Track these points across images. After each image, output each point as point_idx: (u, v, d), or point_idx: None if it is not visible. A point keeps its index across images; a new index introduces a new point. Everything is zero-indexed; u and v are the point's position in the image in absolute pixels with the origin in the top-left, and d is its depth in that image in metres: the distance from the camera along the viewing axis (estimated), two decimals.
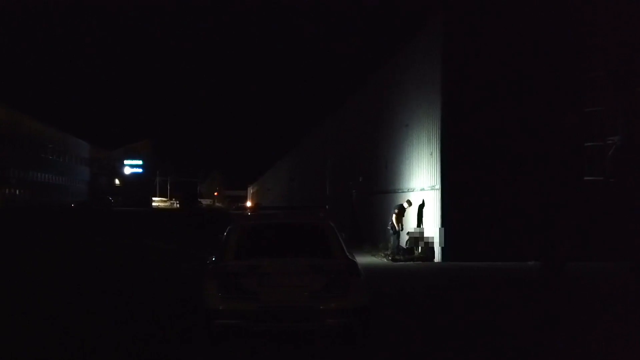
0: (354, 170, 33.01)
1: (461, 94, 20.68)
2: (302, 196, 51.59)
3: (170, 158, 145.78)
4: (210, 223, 32.07)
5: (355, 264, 8.98)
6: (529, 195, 20.29)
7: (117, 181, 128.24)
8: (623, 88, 20.71)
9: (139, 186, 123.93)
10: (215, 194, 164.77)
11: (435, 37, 21.79)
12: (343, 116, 37.20)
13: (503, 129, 20.53)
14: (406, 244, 21.62)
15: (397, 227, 21.69)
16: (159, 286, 14.53)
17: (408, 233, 21.75)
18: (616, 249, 19.28)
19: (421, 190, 22.44)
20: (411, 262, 20.51)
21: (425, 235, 21.33)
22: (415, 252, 21.23)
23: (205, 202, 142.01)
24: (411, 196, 23.40)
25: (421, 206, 21.72)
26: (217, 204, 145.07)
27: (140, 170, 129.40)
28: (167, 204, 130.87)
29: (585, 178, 20.53)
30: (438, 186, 20.85)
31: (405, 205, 21.79)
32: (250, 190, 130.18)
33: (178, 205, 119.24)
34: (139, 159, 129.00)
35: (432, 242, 20.89)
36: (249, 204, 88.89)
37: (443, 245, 20.39)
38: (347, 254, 9.10)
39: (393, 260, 21.10)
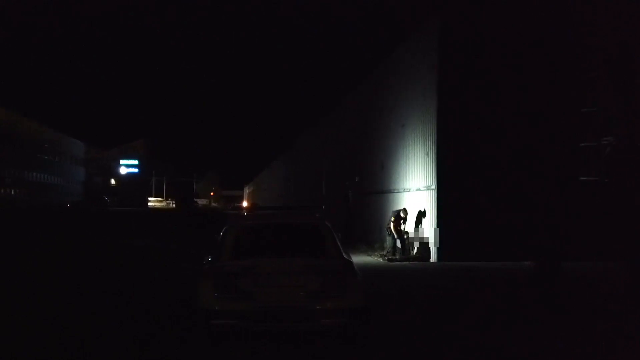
0: (350, 170, 33.06)
1: (457, 94, 20.71)
2: (299, 196, 51.63)
3: (166, 158, 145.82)
4: (210, 223, 32.06)
5: (351, 263, 8.99)
6: (525, 196, 20.36)
7: (112, 181, 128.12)
8: (619, 88, 20.81)
9: (135, 186, 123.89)
10: (211, 194, 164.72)
11: (431, 37, 21.83)
12: (339, 116, 37.24)
13: (499, 129, 20.59)
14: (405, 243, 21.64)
15: (395, 235, 21.56)
16: (159, 286, 14.53)
17: (406, 235, 21.73)
18: (612, 249, 19.37)
19: (417, 191, 22.50)
20: (407, 262, 20.55)
21: (420, 235, 21.42)
22: (411, 252, 21.31)
23: (201, 202, 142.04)
24: (407, 196, 23.51)
25: (421, 214, 21.56)
26: (213, 204, 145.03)
27: (136, 170, 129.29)
28: (163, 204, 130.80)
29: (581, 178, 20.61)
30: (434, 186, 20.89)
31: (402, 215, 21.71)
32: (246, 190, 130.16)
33: (174, 205, 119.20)
34: (135, 159, 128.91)
35: (428, 242, 20.95)
36: (245, 204, 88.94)
37: (438, 245, 20.44)
38: (344, 254, 9.12)
39: (389, 260, 21.17)
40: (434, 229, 20.64)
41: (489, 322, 10.80)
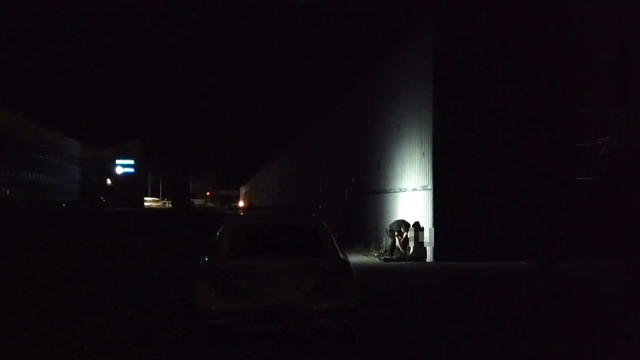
0: (346, 170, 33.09)
1: (454, 94, 20.72)
2: (295, 196, 51.65)
3: (162, 158, 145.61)
4: (209, 223, 32.13)
5: (348, 263, 9.01)
6: (521, 195, 20.40)
7: (108, 181, 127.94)
8: (619, 88, 20.90)
9: (131, 186, 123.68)
10: (208, 193, 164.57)
11: (428, 37, 21.83)
12: (336, 116, 37.25)
13: (495, 129, 20.61)
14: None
15: (402, 250, 21.30)
16: (158, 286, 14.52)
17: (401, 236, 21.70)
18: (610, 249, 19.47)
19: (413, 191, 22.55)
20: (403, 262, 20.58)
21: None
22: (407, 252, 21.38)
23: (198, 202, 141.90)
24: (403, 196, 23.56)
25: (417, 226, 21.44)
26: (209, 204, 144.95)
27: (132, 170, 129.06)
28: (159, 204, 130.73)
29: (578, 178, 20.67)
30: (430, 186, 20.91)
31: (403, 230, 21.61)
32: (242, 190, 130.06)
33: (170, 205, 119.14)
34: (131, 159, 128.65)
35: (424, 242, 20.95)
36: (241, 204, 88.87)
37: (435, 246, 20.45)
38: (340, 254, 9.14)
39: (385, 260, 21.21)
40: (430, 229, 20.67)
41: (488, 322, 10.83)
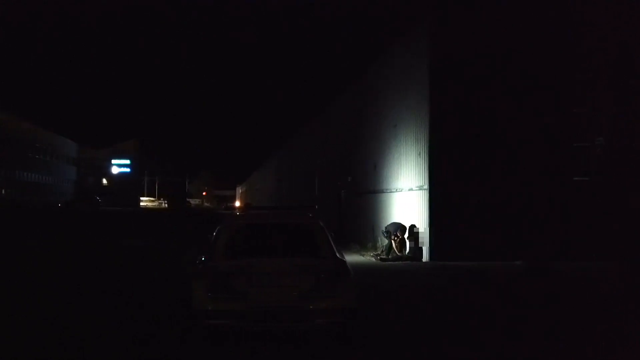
0: (342, 170, 33.14)
1: (449, 94, 20.76)
2: (291, 196, 51.67)
3: (158, 157, 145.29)
4: (209, 223, 32.11)
5: (344, 263, 9.03)
6: (517, 195, 20.46)
7: (104, 181, 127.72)
8: (615, 89, 20.99)
9: (127, 186, 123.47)
10: (204, 193, 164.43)
11: (423, 37, 21.88)
12: (332, 116, 37.27)
13: (491, 130, 20.66)
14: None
15: (398, 252, 21.34)
16: (158, 286, 14.52)
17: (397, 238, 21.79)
18: (605, 249, 19.58)
19: (409, 191, 22.60)
20: (399, 262, 20.61)
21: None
22: (404, 252, 21.47)
23: (194, 201, 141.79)
24: (399, 196, 23.63)
25: (413, 229, 21.48)
26: (205, 204, 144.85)
27: (128, 169, 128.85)
28: (155, 203, 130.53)
29: (574, 178, 20.73)
30: (426, 186, 20.94)
31: (399, 234, 21.66)
32: (238, 190, 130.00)
33: (166, 205, 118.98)
34: (127, 159, 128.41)
35: (420, 242, 21.03)
36: (237, 203, 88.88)
37: (431, 245, 20.51)
38: (337, 253, 9.15)
39: (381, 260, 21.26)
40: (426, 229, 20.72)
41: (486, 321, 10.88)
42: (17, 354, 8.58)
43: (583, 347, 9.06)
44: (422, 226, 21.04)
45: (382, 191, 26.02)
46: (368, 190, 28.23)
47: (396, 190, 24.20)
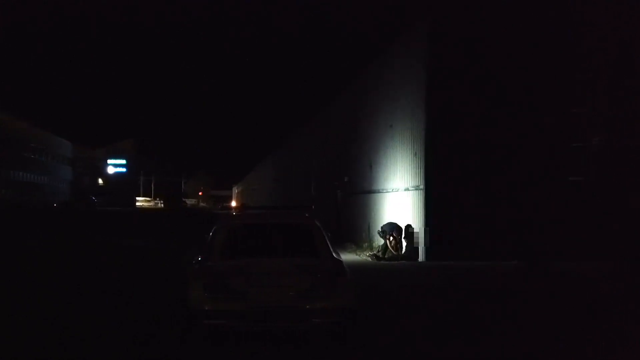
0: (339, 170, 33.16)
1: (446, 95, 20.78)
2: (288, 196, 51.70)
3: (154, 157, 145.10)
4: (209, 223, 31.99)
5: (341, 263, 9.06)
6: (513, 195, 20.49)
7: (100, 181, 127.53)
8: (610, 89, 21.04)
9: (123, 186, 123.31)
10: (200, 193, 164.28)
11: (420, 37, 21.90)
12: (329, 116, 37.31)
13: (487, 129, 20.68)
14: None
15: (394, 252, 21.34)
16: (158, 286, 14.52)
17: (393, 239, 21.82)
18: (602, 249, 19.63)
19: (405, 190, 22.62)
20: (395, 262, 20.65)
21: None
22: (400, 252, 21.46)
23: (190, 201, 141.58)
24: (395, 196, 23.63)
25: (409, 229, 21.57)
26: (201, 204, 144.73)
27: (124, 169, 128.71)
28: (151, 203, 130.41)
29: (570, 178, 20.74)
30: (422, 186, 20.97)
31: (395, 235, 21.57)
32: (235, 190, 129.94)
33: (162, 205, 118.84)
34: (123, 159, 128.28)
35: (417, 242, 21.06)
36: (233, 203, 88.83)
37: (427, 245, 20.52)
38: (334, 253, 9.19)
39: (377, 259, 21.29)
40: (422, 229, 20.72)
41: (485, 321, 10.90)
42: (17, 354, 8.58)
43: (583, 347, 9.08)
44: (418, 226, 21.07)
45: (379, 191, 26.06)
46: (364, 190, 28.27)
47: (392, 190, 24.24)
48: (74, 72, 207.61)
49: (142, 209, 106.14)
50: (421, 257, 20.84)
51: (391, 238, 21.49)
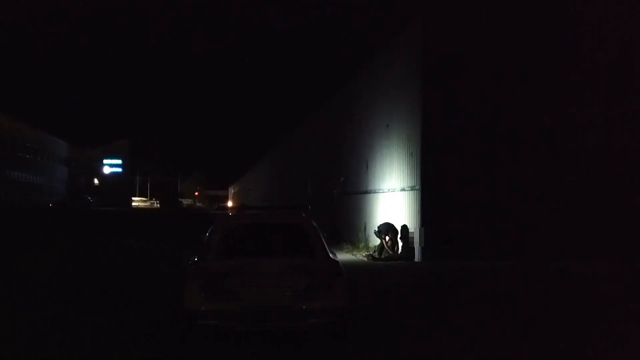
0: (335, 170, 33.18)
1: (441, 95, 20.79)
2: (284, 196, 51.70)
3: (150, 157, 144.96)
4: (209, 223, 31.88)
5: (337, 263, 9.09)
6: (510, 195, 20.51)
7: (96, 181, 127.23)
8: (610, 89, 21.07)
9: (119, 186, 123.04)
10: (196, 193, 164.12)
11: (415, 37, 21.90)
12: (325, 116, 37.30)
13: (484, 130, 20.71)
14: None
15: (390, 252, 21.35)
16: (158, 286, 14.52)
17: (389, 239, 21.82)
18: (601, 249, 19.67)
19: (402, 191, 22.61)
20: (392, 262, 20.67)
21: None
22: (396, 252, 21.42)
23: (186, 202, 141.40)
24: (391, 196, 23.63)
25: (405, 230, 21.62)
26: (197, 204, 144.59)
27: (119, 169, 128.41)
28: (147, 204, 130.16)
29: (569, 179, 20.73)
30: (418, 186, 20.98)
31: (391, 235, 21.52)
32: (231, 190, 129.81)
33: (158, 205, 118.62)
34: (119, 159, 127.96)
35: (412, 242, 21.08)
36: (230, 204, 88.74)
37: (423, 245, 20.53)
38: (329, 253, 9.21)
39: (373, 259, 21.30)
40: (418, 229, 20.74)
41: (483, 321, 10.91)
42: (17, 354, 8.59)
43: (583, 347, 9.11)
44: (414, 226, 21.09)
45: (374, 191, 26.08)
46: (361, 190, 28.29)
47: (388, 190, 24.26)
48: (69, 72, 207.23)
49: (138, 209, 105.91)
50: (417, 257, 20.85)
51: (387, 238, 21.50)
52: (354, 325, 9.50)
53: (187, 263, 10.02)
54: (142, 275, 16.61)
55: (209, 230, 9.55)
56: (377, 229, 22.21)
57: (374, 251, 22.18)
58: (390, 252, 21.35)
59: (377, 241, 22.16)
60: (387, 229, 21.68)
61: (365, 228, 26.36)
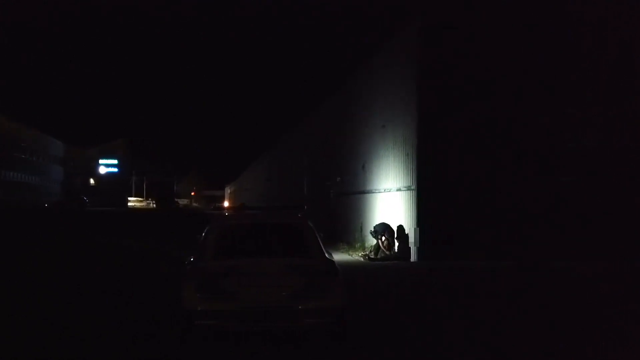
0: (331, 170, 33.16)
1: (437, 95, 20.74)
2: (281, 196, 51.69)
3: (146, 158, 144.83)
4: (207, 223, 31.83)
5: (333, 263, 9.07)
6: (508, 196, 20.48)
7: (92, 181, 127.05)
8: (610, 89, 21.10)
9: (115, 186, 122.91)
10: (192, 193, 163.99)
11: (411, 37, 21.84)
12: (321, 116, 37.26)
13: (479, 130, 20.66)
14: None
15: (387, 252, 21.32)
16: (158, 286, 14.47)
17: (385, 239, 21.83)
18: (599, 249, 19.68)
19: (398, 191, 22.56)
20: (388, 262, 20.61)
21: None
22: (392, 252, 21.43)
23: (182, 202, 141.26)
24: (388, 196, 23.60)
25: (401, 230, 21.62)
26: (194, 204, 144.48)
27: (115, 169, 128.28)
28: (143, 204, 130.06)
29: (563, 179, 20.74)
30: (414, 186, 20.94)
31: (387, 236, 21.45)
32: (227, 190, 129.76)
33: (154, 205, 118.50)
34: (115, 159, 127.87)
35: (409, 242, 21.01)
36: (226, 204, 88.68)
37: (419, 245, 20.50)
38: (326, 253, 9.20)
39: (370, 259, 21.25)
40: (414, 229, 20.71)
41: (484, 320, 10.90)
42: (17, 354, 8.55)
43: (583, 347, 9.09)
44: (410, 226, 21.06)
45: (371, 191, 26.06)
46: (357, 190, 28.27)
47: (384, 191, 24.24)
48: (65, 71, 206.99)
49: (134, 209, 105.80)
50: (413, 257, 20.81)
51: (383, 238, 21.48)
52: (352, 325, 9.46)
53: (183, 263, 10.01)
54: (142, 275, 16.59)
55: (205, 230, 9.53)
56: (373, 229, 22.20)
57: (370, 251, 22.15)
58: (387, 252, 21.33)
59: (374, 241, 22.11)
60: (383, 229, 21.68)
61: (361, 228, 26.34)
